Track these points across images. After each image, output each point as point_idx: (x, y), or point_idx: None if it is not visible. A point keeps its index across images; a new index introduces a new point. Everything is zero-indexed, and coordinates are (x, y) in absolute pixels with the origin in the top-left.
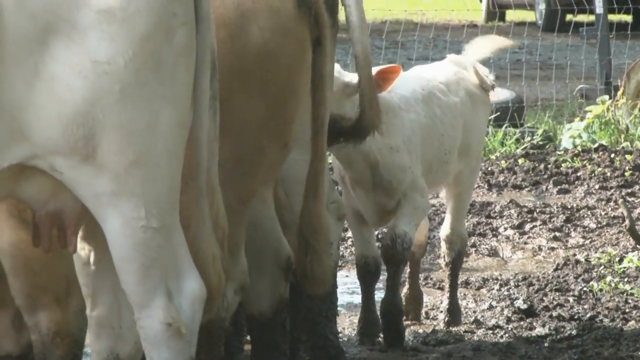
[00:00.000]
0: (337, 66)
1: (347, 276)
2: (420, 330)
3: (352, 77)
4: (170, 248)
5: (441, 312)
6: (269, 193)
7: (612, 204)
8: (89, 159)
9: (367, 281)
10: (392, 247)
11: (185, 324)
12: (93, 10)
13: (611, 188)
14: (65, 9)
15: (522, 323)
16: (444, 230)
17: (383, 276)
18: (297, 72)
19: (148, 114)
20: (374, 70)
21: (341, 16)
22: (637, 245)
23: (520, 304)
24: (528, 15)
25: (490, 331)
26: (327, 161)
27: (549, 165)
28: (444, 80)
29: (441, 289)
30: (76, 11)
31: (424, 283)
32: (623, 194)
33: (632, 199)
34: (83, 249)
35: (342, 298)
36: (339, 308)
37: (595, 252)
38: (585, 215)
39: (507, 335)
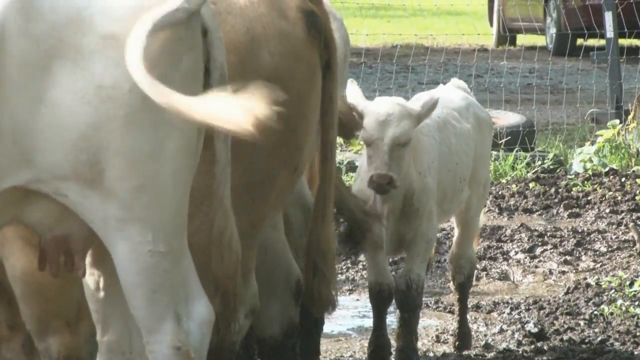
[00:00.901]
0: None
1: (357, 300)
2: (431, 354)
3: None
4: (178, 272)
5: (452, 335)
6: (279, 217)
7: (622, 227)
8: (95, 184)
9: (380, 307)
10: (407, 293)
11: (194, 348)
12: (98, 36)
13: (622, 212)
14: (70, 34)
15: (532, 347)
16: (453, 254)
17: None
18: (307, 97)
19: (153, 139)
20: (431, 96)
21: (353, 40)
22: None
23: (531, 327)
24: (539, 40)
25: (501, 355)
26: (334, 186)
27: (560, 189)
28: (455, 106)
29: (452, 312)
30: (81, 36)
31: (434, 307)
32: (634, 217)
33: None
34: (92, 275)
35: (353, 322)
36: (349, 332)
37: (606, 276)
38: (596, 239)
39: (518, 359)
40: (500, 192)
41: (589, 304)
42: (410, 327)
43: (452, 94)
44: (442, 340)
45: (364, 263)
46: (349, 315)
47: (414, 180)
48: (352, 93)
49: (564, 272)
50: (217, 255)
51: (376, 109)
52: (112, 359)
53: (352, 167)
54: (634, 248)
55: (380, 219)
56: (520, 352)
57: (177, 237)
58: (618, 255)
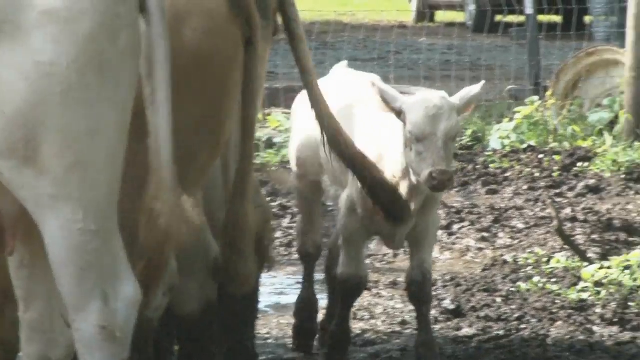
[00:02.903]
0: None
1: (275, 277)
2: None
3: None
4: (108, 251)
5: (368, 312)
6: (199, 195)
7: (540, 204)
8: (29, 161)
9: (352, 300)
10: (424, 284)
11: (120, 328)
12: (37, 11)
13: (539, 189)
14: (9, 10)
15: (449, 323)
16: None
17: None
18: (230, 74)
19: (90, 117)
20: (470, 91)
21: None
22: (565, 246)
23: (447, 304)
24: (458, 16)
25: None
26: (253, 163)
27: (478, 166)
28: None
29: (368, 289)
30: (20, 12)
31: None
32: (551, 194)
33: (560, 199)
34: (18, 252)
35: (270, 299)
36: (266, 309)
37: (523, 253)
38: (514, 216)
39: (434, 335)
40: None
41: (506, 280)
42: (429, 320)
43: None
44: (358, 317)
45: (281, 240)
46: (266, 292)
47: None
48: (385, 90)
49: (481, 249)
50: (147, 225)
51: (424, 103)
52: (34, 336)
53: (270, 144)
54: (551, 225)
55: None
56: (437, 328)
57: (108, 216)
58: (535, 232)
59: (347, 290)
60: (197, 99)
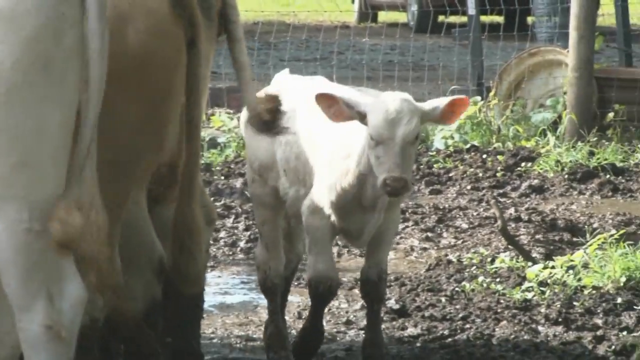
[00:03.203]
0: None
1: (219, 276)
2: (293, 332)
3: (432, 106)
4: (53, 251)
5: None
6: (143, 195)
7: (484, 204)
8: None
9: (326, 302)
10: (380, 284)
11: (65, 328)
12: None
13: (483, 189)
14: None
15: (394, 323)
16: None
17: None
18: (172, 74)
19: (35, 116)
20: (446, 100)
21: None
22: (509, 246)
23: (392, 304)
24: (400, 17)
25: (363, 331)
26: (200, 164)
27: (421, 166)
28: None
29: None
30: None
31: (296, 283)
32: (495, 194)
33: (504, 199)
34: None
35: (215, 298)
36: (211, 308)
37: (467, 253)
38: (457, 216)
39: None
40: None
41: (451, 280)
42: (379, 319)
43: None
44: (303, 317)
45: (225, 240)
46: (211, 292)
47: None
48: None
49: (425, 249)
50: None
51: (384, 106)
52: None
53: (213, 143)
54: (495, 225)
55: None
56: (382, 328)
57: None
58: (479, 232)
59: (319, 294)
60: (140, 99)
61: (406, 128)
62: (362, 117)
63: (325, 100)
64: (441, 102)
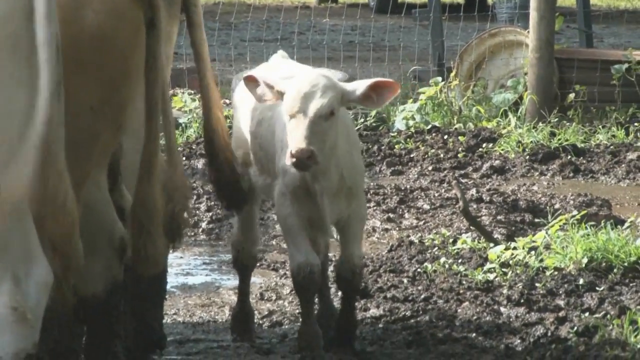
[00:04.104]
0: (337, 73)
1: (181, 257)
2: (256, 313)
3: (355, 86)
4: (20, 233)
5: (275, 293)
6: (103, 176)
7: (445, 185)
8: None
9: (311, 292)
10: (353, 279)
11: (30, 309)
12: None
13: (444, 169)
14: None
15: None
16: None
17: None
18: (131, 55)
19: (4, 98)
20: (369, 81)
21: None
22: (471, 227)
23: None
24: None
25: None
26: (159, 144)
27: (383, 147)
28: None
29: (275, 269)
30: None
31: (258, 265)
32: (456, 175)
33: (466, 180)
34: None
35: (177, 279)
36: (173, 289)
37: (429, 234)
38: (419, 197)
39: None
40: None
41: (413, 261)
42: (353, 307)
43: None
44: (265, 298)
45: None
46: (173, 272)
47: (343, 156)
48: (265, 77)
49: (387, 230)
50: (52, 216)
51: (299, 81)
52: None
53: (175, 124)
54: (457, 205)
55: (317, 197)
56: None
57: (19, 197)
58: (441, 212)
59: (300, 283)
60: (98, 80)
61: (319, 102)
62: (281, 96)
63: (252, 83)
64: (364, 83)
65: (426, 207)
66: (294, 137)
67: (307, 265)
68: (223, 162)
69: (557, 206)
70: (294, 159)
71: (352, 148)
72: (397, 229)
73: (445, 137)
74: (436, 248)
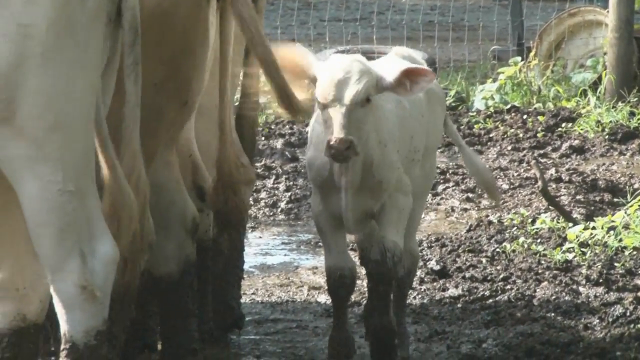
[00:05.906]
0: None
1: (260, 237)
2: None
3: (388, 72)
4: (85, 211)
5: None
6: (172, 155)
7: (524, 165)
8: (7, 122)
9: (341, 297)
10: (383, 263)
11: (98, 287)
12: None
13: (523, 149)
14: None
15: (435, 284)
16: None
17: None
18: (192, 30)
19: (66, 79)
20: (403, 68)
21: None
22: (550, 207)
23: (433, 265)
24: None
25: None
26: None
27: (462, 127)
28: None
29: (354, 249)
30: None
31: None
32: (535, 155)
33: (545, 160)
34: None
35: (256, 259)
36: (252, 269)
37: (508, 214)
38: (498, 177)
39: (420, 296)
40: None
41: (491, 241)
42: (386, 303)
43: (399, 63)
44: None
45: (266, 201)
46: (252, 252)
47: (373, 148)
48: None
49: (466, 210)
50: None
51: (332, 67)
52: (6, 295)
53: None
54: (536, 185)
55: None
56: (423, 289)
57: (86, 176)
58: (520, 192)
59: (331, 287)
60: (159, 56)
61: (354, 88)
62: (313, 81)
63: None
64: (397, 69)
65: (505, 186)
66: (331, 126)
67: (337, 269)
68: None
69: (636, 186)
70: (332, 150)
71: (388, 141)
72: (476, 208)
73: (525, 116)
74: (515, 228)
